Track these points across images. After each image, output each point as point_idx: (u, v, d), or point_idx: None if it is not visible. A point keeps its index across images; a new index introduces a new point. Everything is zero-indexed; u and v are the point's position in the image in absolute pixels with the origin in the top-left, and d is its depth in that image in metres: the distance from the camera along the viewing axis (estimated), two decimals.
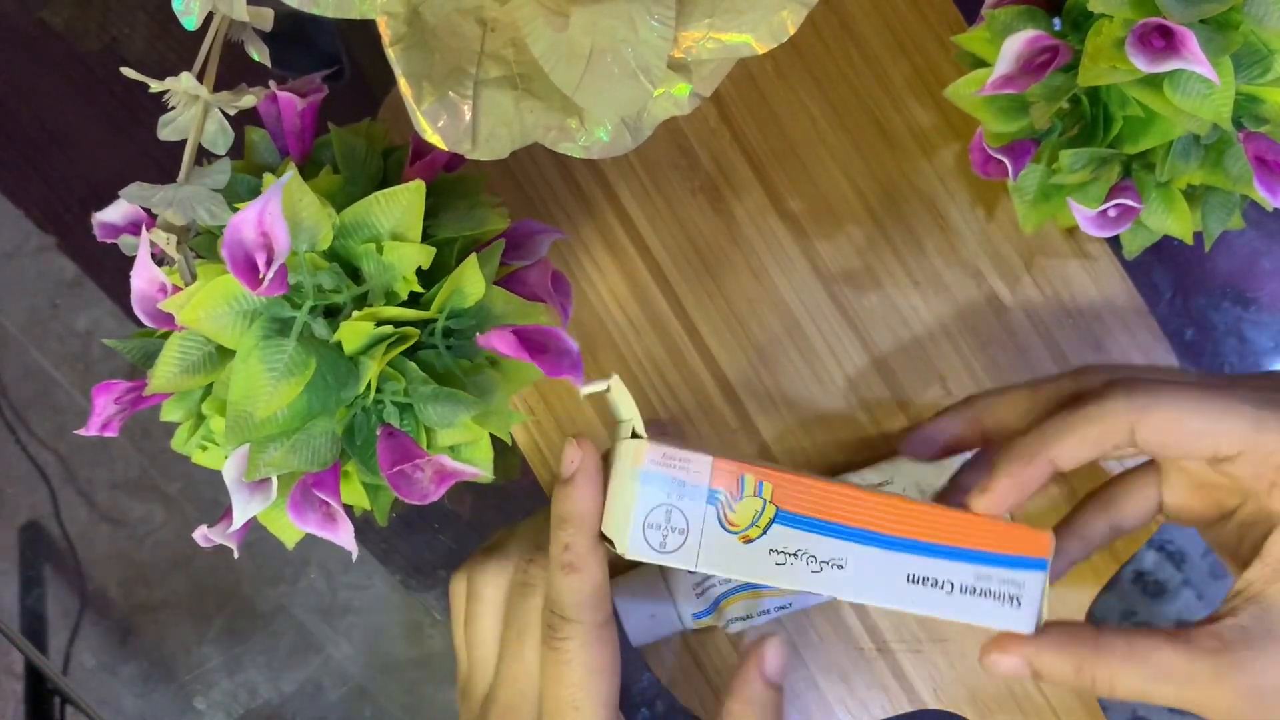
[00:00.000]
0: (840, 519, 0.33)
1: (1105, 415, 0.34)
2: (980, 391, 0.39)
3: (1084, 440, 0.34)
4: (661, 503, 0.32)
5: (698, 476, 0.32)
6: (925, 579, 0.34)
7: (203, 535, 0.35)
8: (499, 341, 0.33)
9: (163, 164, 0.50)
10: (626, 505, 0.32)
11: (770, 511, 0.33)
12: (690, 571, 0.44)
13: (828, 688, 0.47)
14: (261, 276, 0.30)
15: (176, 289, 0.33)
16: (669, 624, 0.45)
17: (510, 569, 0.37)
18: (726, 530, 0.32)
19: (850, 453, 0.47)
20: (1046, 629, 0.35)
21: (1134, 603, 0.50)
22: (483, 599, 0.37)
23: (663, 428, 0.47)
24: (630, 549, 0.32)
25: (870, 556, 0.33)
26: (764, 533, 0.33)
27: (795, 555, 0.33)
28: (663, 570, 0.45)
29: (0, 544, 0.52)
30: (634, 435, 0.32)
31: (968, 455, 0.41)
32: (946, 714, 0.47)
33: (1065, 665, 0.34)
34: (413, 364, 0.34)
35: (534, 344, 0.34)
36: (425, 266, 0.33)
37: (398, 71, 0.31)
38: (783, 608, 0.45)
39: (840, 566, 0.33)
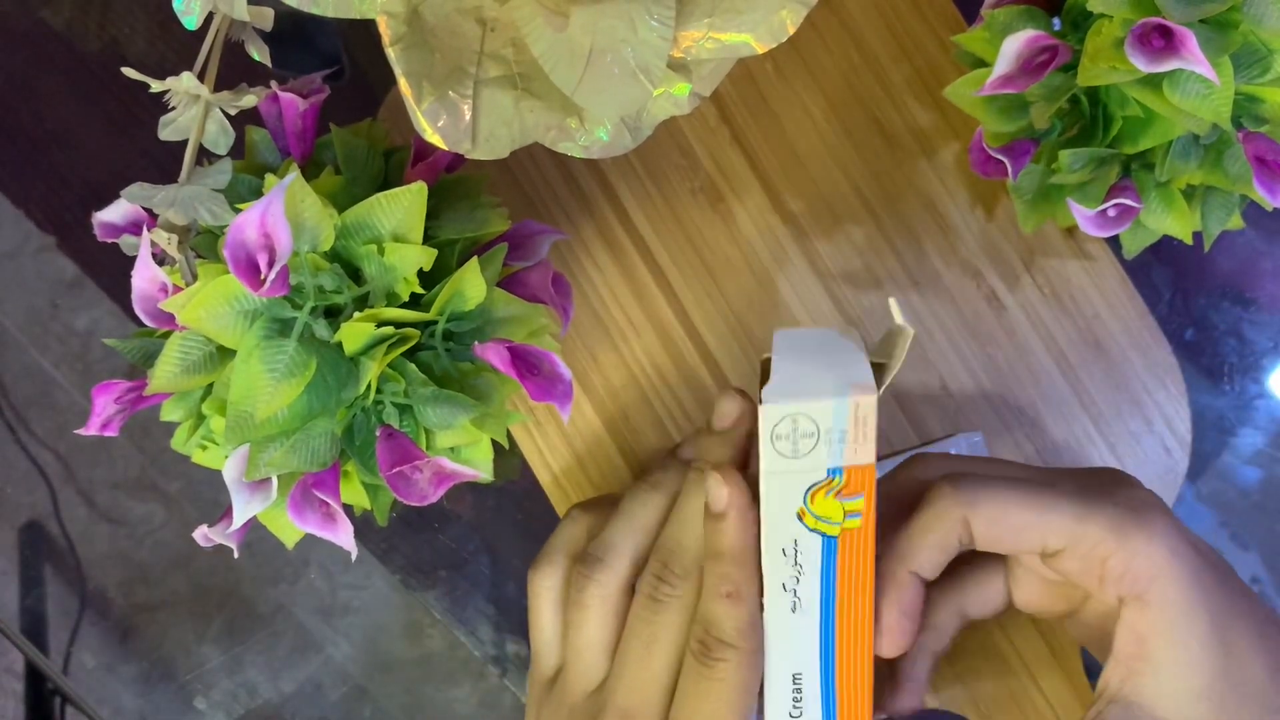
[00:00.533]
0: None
1: (939, 516, 0.35)
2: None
3: (930, 546, 0.35)
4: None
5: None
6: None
7: (203, 535, 0.35)
8: (494, 356, 0.33)
9: (163, 164, 0.50)
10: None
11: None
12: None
13: None
14: (263, 277, 0.30)
15: (177, 289, 0.33)
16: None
17: (614, 577, 0.37)
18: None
19: None
20: None
21: None
22: (586, 608, 0.37)
23: None
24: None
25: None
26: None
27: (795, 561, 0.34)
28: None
29: (0, 544, 0.52)
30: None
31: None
32: (946, 714, 0.47)
33: None
34: (412, 366, 0.34)
35: (527, 364, 0.34)
36: (426, 268, 0.33)
37: (397, 71, 0.31)
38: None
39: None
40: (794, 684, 0.35)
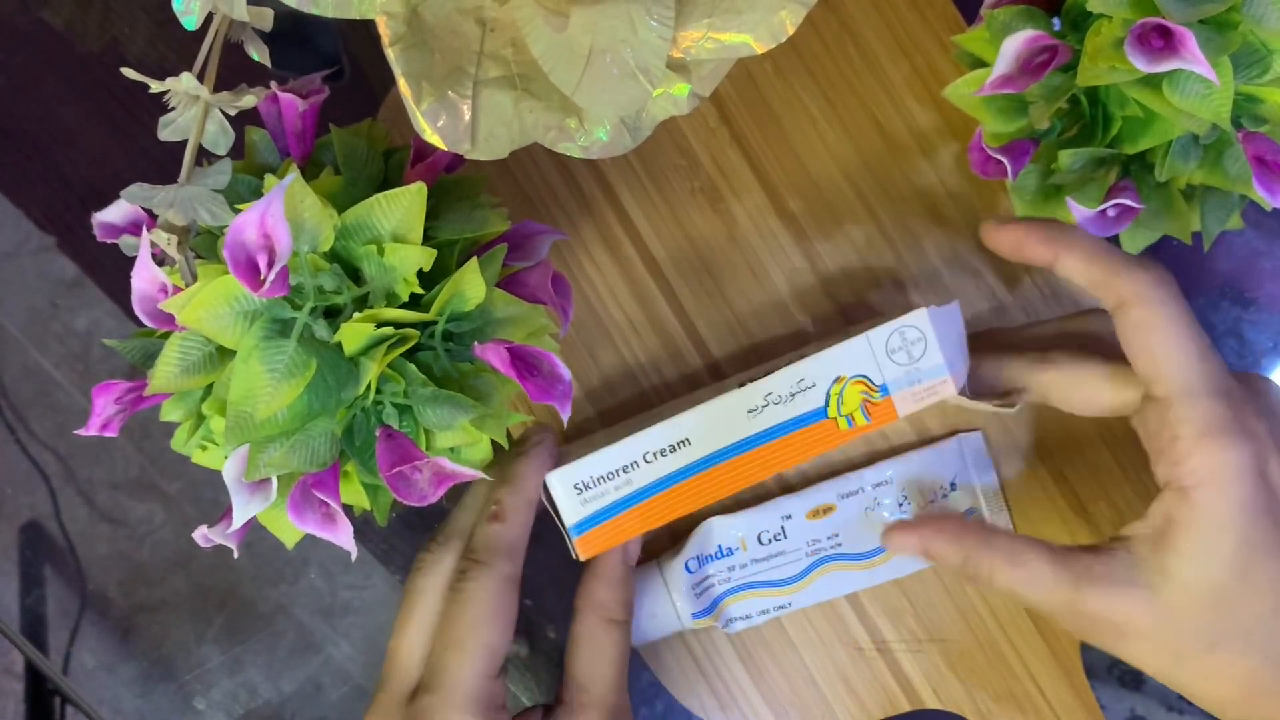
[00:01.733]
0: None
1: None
2: (1067, 229, 0.39)
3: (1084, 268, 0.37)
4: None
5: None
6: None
7: (202, 535, 0.35)
8: (494, 356, 0.33)
9: (163, 164, 0.50)
10: None
11: None
12: (688, 571, 0.45)
13: (827, 687, 0.47)
14: (263, 278, 0.30)
15: (177, 289, 0.33)
16: (668, 623, 0.45)
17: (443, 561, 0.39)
18: None
19: (847, 447, 0.47)
20: (942, 521, 0.38)
21: None
22: (405, 593, 0.39)
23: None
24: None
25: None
26: None
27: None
28: (661, 570, 0.46)
29: (0, 544, 0.52)
30: None
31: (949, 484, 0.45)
32: (946, 714, 0.47)
33: (954, 554, 0.38)
34: (412, 366, 0.34)
35: (527, 364, 0.34)
36: (426, 269, 0.33)
37: (397, 72, 0.31)
38: (782, 607, 0.46)
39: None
40: None
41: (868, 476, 0.45)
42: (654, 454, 0.39)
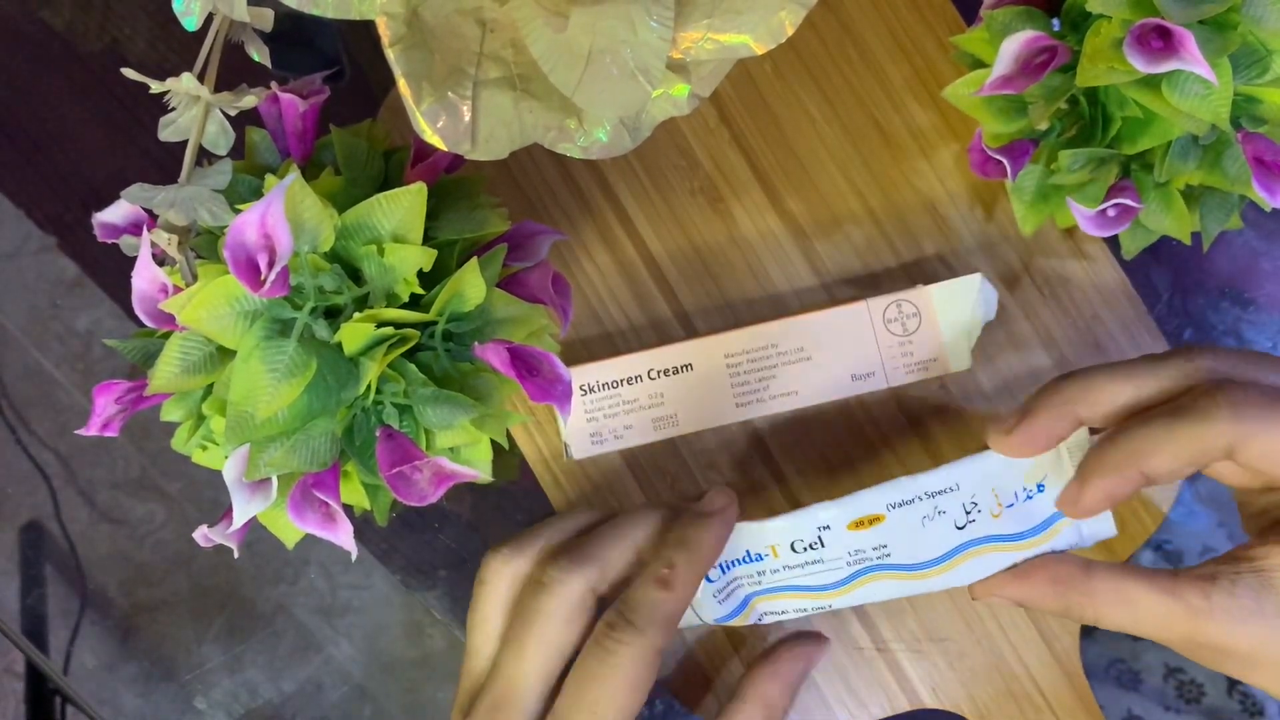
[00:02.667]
0: None
1: (1206, 433, 0.32)
2: (1069, 372, 0.36)
3: (1179, 457, 0.32)
4: None
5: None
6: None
7: (203, 535, 0.35)
8: (493, 356, 0.33)
9: (163, 164, 0.50)
10: None
11: None
12: (708, 580, 0.41)
13: (827, 687, 0.47)
14: (263, 278, 0.30)
15: (177, 289, 0.33)
16: (689, 620, 0.42)
17: (522, 560, 0.37)
18: None
19: (848, 448, 0.47)
20: (1037, 566, 0.36)
21: None
22: (486, 584, 0.37)
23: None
24: None
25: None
26: None
27: None
28: None
29: (1, 544, 0.52)
30: None
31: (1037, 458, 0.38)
32: (946, 713, 0.47)
33: (1055, 604, 0.35)
34: (412, 366, 0.34)
35: (527, 365, 0.34)
36: (426, 269, 0.33)
37: (397, 72, 0.31)
38: (821, 608, 0.41)
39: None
40: None
41: (925, 483, 0.39)
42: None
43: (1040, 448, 0.35)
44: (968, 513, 0.38)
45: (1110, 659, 0.48)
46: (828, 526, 0.39)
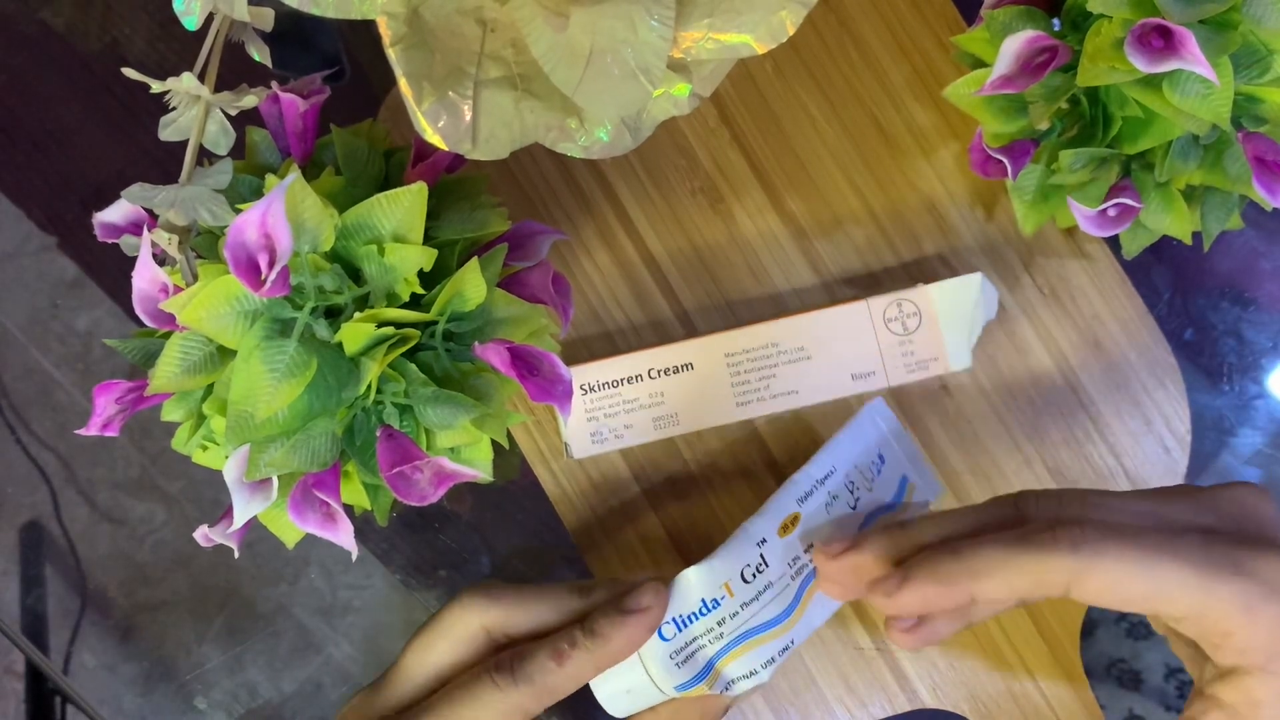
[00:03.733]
0: None
1: (1043, 568, 0.32)
2: (905, 520, 0.36)
3: (1012, 585, 0.32)
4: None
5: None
6: None
7: (203, 535, 0.35)
8: (494, 356, 0.33)
9: (164, 164, 0.50)
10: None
11: None
12: (663, 639, 0.38)
13: (827, 687, 0.47)
14: (264, 278, 0.30)
15: (178, 289, 0.33)
16: (648, 697, 0.39)
17: (498, 614, 0.36)
18: None
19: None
20: (911, 580, 0.34)
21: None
22: (445, 628, 0.37)
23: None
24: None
25: None
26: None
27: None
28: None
29: (1, 544, 0.52)
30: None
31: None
32: (946, 713, 0.47)
33: (955, 600, 0.33)
34: (413, 366, 0.34)
35: (528, 364, 0.34)
36: (427, 269, 0.33)
37: (398, 72, 0.31)
38: (785, 649, 0.39)
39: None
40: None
41: (812, 473, 0.40)
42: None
43: (919, 612, 0.35)
44: (852, 492, 0.40)
45: (1111, 659, 0.48)
46: (764, 540, 0.38)
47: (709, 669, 0.38)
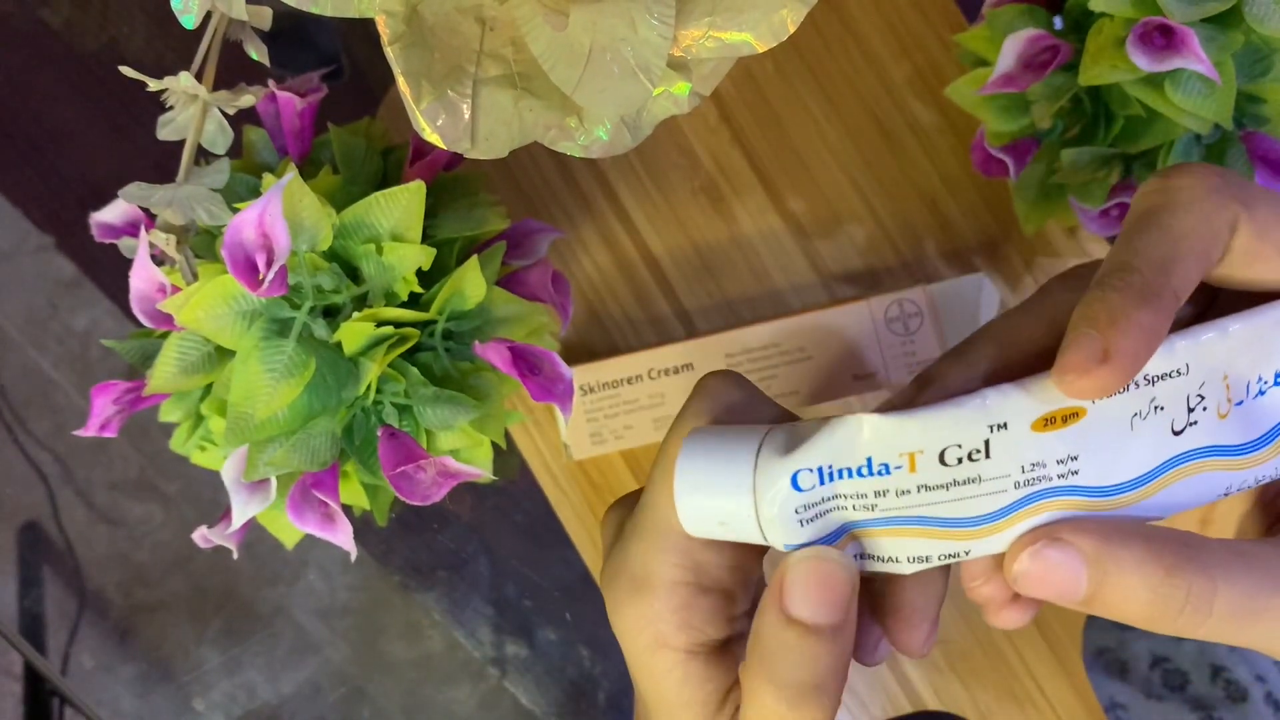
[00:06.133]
0: None
1: (1207, 216, 0.25)
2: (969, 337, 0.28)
3: (1193, 249, 0.24)
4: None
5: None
6: None
7: (201, 536, 0.35)
8: (495, 356, 0.33)
9: (161, 164, 0.50)
10: None
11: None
12: (798, 488, 0.27)
13: None
14: (261, 277, 0.30)
15: (176, 289, 0.33)
16: (745, 534, 0.28)
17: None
18: None
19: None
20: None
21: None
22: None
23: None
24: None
25: None
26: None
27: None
28: (756, 465, 0.27)
29: None
30: None
31: None
32: (947, 714, 0.47)
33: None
34: (413, 366, 0.34)
35: (528, 364, 0.34)
36: (425, 268, 0.33)
37: (396, 70, 0.31)
38: (954, 555, 0.27)
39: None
40: None
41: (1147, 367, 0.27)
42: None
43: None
44: (1190, 410, 0.27)
45: (1098, 647, 0.48)
46: (1004, 425, 0.26)
47: (840, 534, 0.28)
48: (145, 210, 0.35)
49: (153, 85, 0.30)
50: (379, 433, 0.34)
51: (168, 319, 0.34)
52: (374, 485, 0.36)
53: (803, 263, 0.47)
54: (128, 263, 0.34)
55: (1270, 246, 0.25)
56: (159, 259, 0.34)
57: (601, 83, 0.30)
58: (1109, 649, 0.49)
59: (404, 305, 0.34)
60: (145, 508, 0.52)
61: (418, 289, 0.34)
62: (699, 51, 0.31)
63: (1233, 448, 0.27)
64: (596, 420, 0.46)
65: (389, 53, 0.31)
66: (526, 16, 0.31)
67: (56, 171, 0.51)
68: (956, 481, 0.27)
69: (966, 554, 0.27)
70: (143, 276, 0.33)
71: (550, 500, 0.47)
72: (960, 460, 0.26)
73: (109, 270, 0.51)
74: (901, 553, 0.27)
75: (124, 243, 0.36)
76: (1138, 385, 0.26)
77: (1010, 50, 0.37)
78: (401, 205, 0.33)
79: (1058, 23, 0.39)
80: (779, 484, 0.27)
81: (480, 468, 0.35)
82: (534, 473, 0.48)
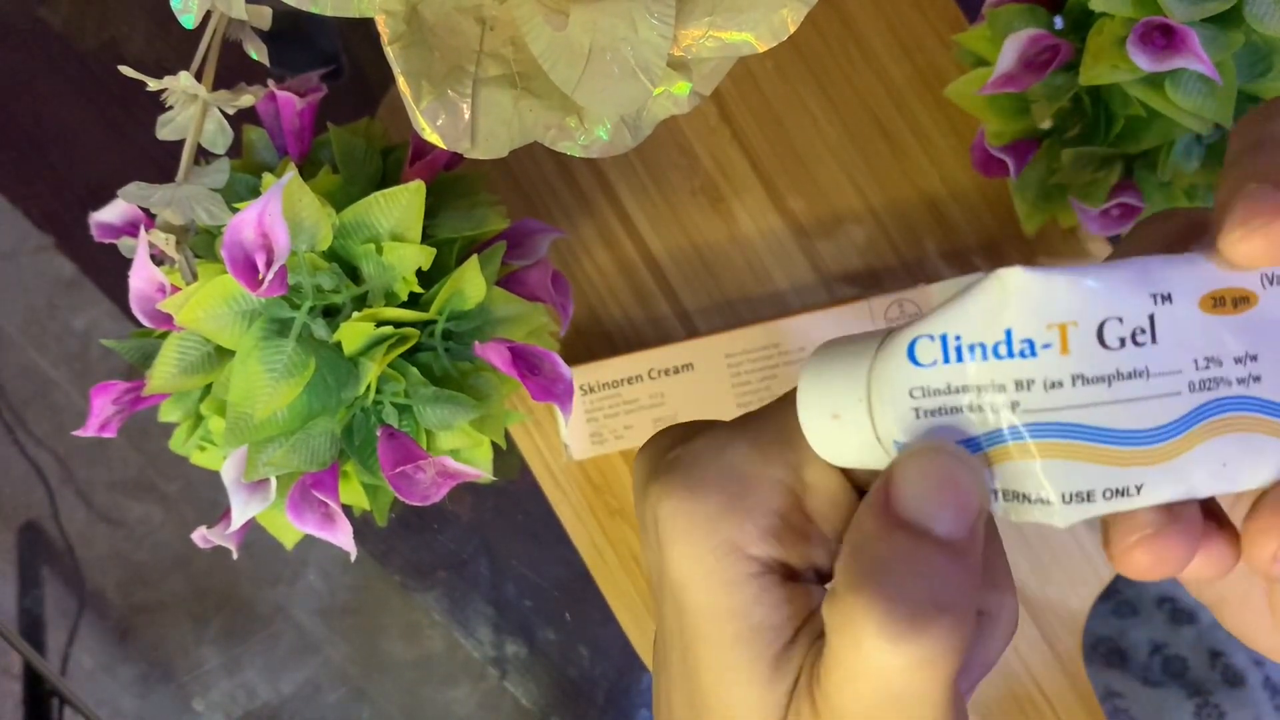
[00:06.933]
0: None
1: None
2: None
3: None
4: None
5: None
6: None
7: (201, 536, 0.35)
8: (495, 355, 0.33)
9: (161, 163, 0.50)
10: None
11: None
12: (915, 362, 0.21)
13: None
14: (261, 277, 0.30)
15: (175, 289, 0.33)
16: (857, 440, 0.22)
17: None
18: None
19: None
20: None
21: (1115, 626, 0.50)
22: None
23: None
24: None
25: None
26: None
27: None
28: (879, 350, 0.22)
29: None
30: None
31: None
32: None
33: None
34: (412, 366, 0.34)
35: (529, 364, 0.34)
36: (425, 267, 0.33)
37: (396, 70, 0.31)
38: (1122, 492, 0.20)
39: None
40: None
41: None
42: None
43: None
44: None
45: (1096, 638, 0.48)
46: (1169, 297, 0.21)
47: (974, 448, 0.21)
48: (145, 210, 0.35)
49: (152, 85, 0.30)
50: (379, 433, 0.34)
51: (167, 319, 0.34)
52: (374, 485, 0.36)
53: (803, 263, 0.47)
54: (127, 263, 0.34)
55: None
56: (158, 259, 0.34)
57: (601, 82, 0.30)
58: (1108, 639, 0.49)
59: (404, 305, 0.34)
60: (145, 508, 0.52)
61: (418, 289, 0.33)
62: (699, 51, 0.31)
63: None
64: (596, 420, 0.46)
65: (389, 52, 0.30)
66: (526, 16, 0.31)
67: (56, 171, 0.51)
68: (1120, 374, 0.21)
69: (1138, 491, 0.21)
70: (142, 276, 0.33)
71: (550, 500, 0.47)
72: (1123, 342, 0.21)
73: (108, 270, 0.51)
74: (1054, 486, 0.20)
75: (123, 243, 0.36)
76: None
77: (1010, 50, 0.37)
78: (401, 205, 0.33)
79: (1058, 22, 0.39)
80: (895, 358, 0.21)
81: (480, 468, 0.35)
82: (534, 473, 0.48)
